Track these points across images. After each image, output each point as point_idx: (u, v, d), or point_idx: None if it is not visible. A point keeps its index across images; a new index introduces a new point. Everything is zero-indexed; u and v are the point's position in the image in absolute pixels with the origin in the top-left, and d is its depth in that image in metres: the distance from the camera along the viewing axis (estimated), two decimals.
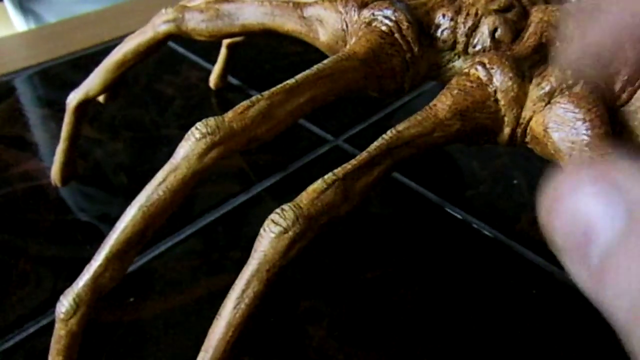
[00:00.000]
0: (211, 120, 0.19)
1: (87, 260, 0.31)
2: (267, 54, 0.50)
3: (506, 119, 0.19)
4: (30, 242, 0.32)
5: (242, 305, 0.17)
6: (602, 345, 0.27)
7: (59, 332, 0.19)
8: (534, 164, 0.38)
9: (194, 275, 0.31)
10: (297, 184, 0.41)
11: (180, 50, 0.50)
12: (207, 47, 0.50)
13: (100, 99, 0.35)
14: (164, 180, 0.18)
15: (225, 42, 0.42)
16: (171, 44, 0.50)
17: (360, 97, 0.45)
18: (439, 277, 0.31)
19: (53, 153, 0.35)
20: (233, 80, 0.46)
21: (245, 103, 0.19)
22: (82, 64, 0.48)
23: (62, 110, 0.32)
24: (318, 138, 0.41)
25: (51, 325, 0.28)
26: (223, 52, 0.43)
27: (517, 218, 0.34)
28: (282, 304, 0.29)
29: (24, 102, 0.43)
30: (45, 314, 0.28)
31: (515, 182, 0.37)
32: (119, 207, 0.35)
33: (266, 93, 0.19)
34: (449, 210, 0.35)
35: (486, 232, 0.33)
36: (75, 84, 0.31)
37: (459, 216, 0.35)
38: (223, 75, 0.44)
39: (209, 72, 0.46)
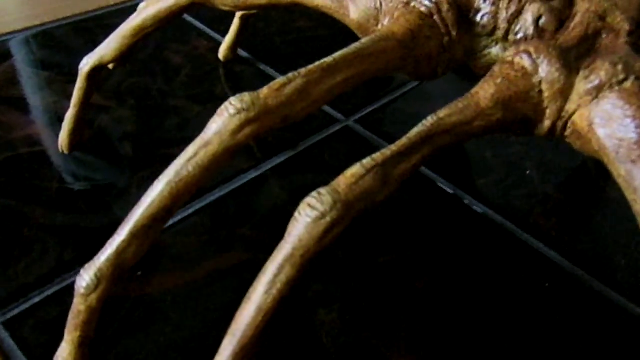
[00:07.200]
0: (246, 96, 0.18)
1: (93, 229, 0.30)
2: (277, 27, 0.49)
3: (548, 111, 0.19)
4: (35, 209, 0.31)
5: (274, 291, 0.16)
6: (612, 336, 0.27)
7: (78, 307, 0.18)
8: (546, 155, 0.38)
9: (202, 251, 0.30)
10: (307, 163, 0.40)
11: (189, 19, 0.49)
12: (216, 17, 0.49)
13: (109, 65, 0.34)
14: (194, 155, 0.18)
15: (239, 13, 0.41)
16: None
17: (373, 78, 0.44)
18: (450, 266, 0.31)
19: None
20: (242, 53, 0.45)
21: (281, 80, 0.18)
22: (84, 27, 0.46)
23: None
24: (329, 117, 0.40)
25: (57, 295, 0.27)
26: (236, 22, 0.41)
27: (530, 210, 0.34)
28: (293, 287, 0.29)
29: (26, 64, 0.42)
30: (51, 283, 0.28)
31: (528, 172, 0.37)
32: (124, 176, 0.34)
33: (303, 71, 0.19)
34: (461, 197, 0.35)
35: (495, 220, 0.33)
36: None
37: (470, 205, 0.34)
38: (233, 47, 0.43)
39: (217, 43, 0.45)
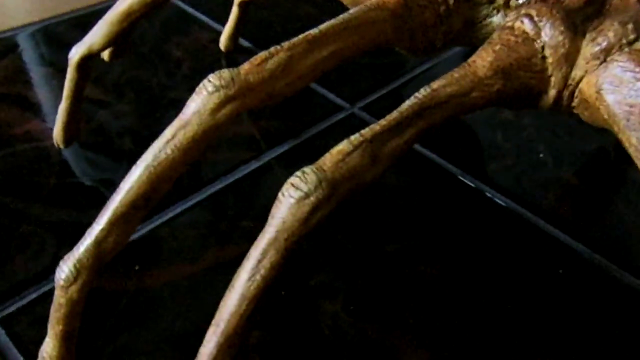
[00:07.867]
0: (225, 73, 0.17)
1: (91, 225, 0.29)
2: (279, 16, 0.48)
3: (553, 79, 0.17)
4: (32, 205, 0.31)
5: (258, 277, 0.15)
6: (631, 322, 0.26)
7: (59, 299, 0.17)
8: (560, 138, 0.36)
9: (202, 244, 0.29)
10: (310, 152, 0.39)
11: (190, 10, 0.48)
12: (217, 8, 0.48)
13: (105, 57, 0.33)
14: (172, 137, 0.17)
15: (237, 0, 0.40)
16: (180, 3, 0.48)
17: (378, 63, 0.43)
18: (459, 253, 0.29)
19: (56, 114, 0.33)
20: (244, 42, 0.44)
21: (262, 54, 0.17)
22: (85, 22, 0.46)
23: (63, 70, 0.30)
24: (333, 105, 0.39)
25: (53, 291, 0.27)
26: (234, 10, 0.40)
27: (543, 194, 0.33)
28: (294, 277, 0.28)
29: (27, 60, 0.41)
30: (48, 279, 0.27)
31: (541, 155, 0.35)
32: (124, 172, 0.33)
33: (286, 44, 0.17)
34: (470, 183, 0.33)
35: (507, 206, 0.32)
36: (77, 43, 0.29)
37: (482, 190, 0.33)
38: (234, 37, 0.42)
39: (218, 34, 0.44)
